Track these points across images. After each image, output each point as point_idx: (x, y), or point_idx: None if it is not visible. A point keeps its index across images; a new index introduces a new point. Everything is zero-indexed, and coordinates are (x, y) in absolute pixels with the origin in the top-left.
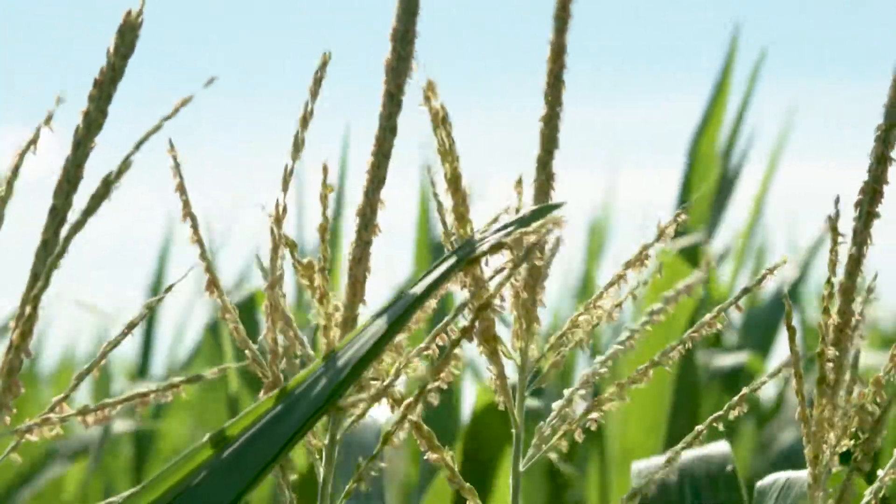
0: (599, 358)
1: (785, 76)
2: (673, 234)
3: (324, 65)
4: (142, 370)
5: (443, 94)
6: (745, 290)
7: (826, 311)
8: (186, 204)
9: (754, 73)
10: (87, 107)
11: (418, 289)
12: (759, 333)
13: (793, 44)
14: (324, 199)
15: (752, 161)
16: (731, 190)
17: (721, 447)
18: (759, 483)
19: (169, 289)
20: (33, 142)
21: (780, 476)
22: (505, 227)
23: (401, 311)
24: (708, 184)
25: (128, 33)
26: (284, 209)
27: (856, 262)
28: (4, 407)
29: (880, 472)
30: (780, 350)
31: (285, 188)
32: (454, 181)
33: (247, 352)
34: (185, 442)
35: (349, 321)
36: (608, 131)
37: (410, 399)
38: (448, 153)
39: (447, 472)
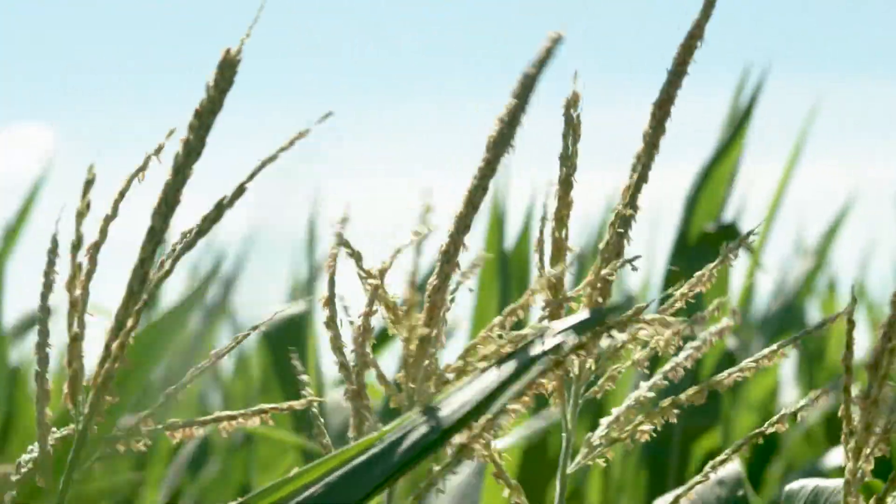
0: (649, 382)
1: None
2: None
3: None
4: None
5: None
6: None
7: (893, 305)
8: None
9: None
10: (187, 135)
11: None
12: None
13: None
14: (424, 220)
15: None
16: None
17: (733, 468)
18: (788, 487)
19: (256, 327)
20: (142, 169)
21: (809, 483)
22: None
23: (497, 385)
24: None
25: (227, 69)
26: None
27: None
28: (96, 416)
29: None
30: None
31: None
32: (566, 185)
33: (336, 358)
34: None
35: (425, 340)
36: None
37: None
38: (568, 159)
39: (495, 469)
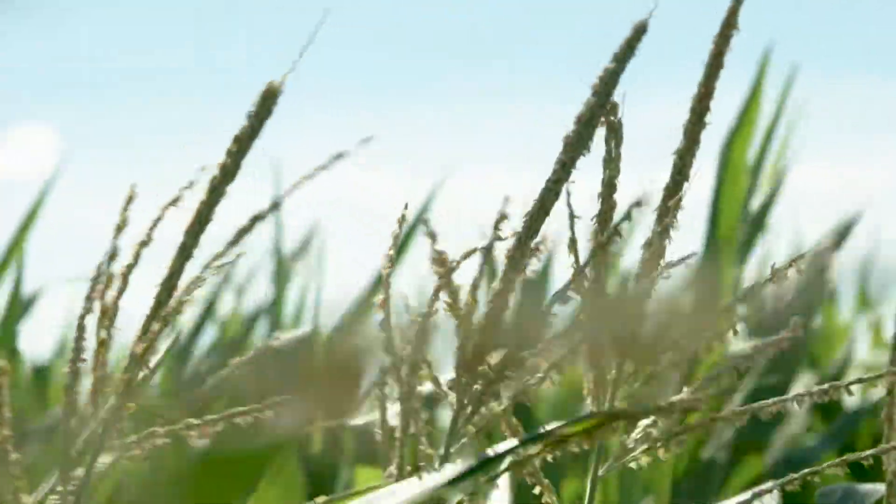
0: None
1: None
2: None
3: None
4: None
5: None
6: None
7: None
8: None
9: (786, 88)
10: (225, 159)
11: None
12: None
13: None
14: (497, 227)
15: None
16: (768, 203)
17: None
18: (822, 489)
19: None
20: (174, 202)
21: (841, 485)
22: None
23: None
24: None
25: (269, 99)
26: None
27: None
28: (121, 419)
29: None
30: None
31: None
32: (609, 187)
33: (387, 359)
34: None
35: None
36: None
37: None
38: (611, 161)
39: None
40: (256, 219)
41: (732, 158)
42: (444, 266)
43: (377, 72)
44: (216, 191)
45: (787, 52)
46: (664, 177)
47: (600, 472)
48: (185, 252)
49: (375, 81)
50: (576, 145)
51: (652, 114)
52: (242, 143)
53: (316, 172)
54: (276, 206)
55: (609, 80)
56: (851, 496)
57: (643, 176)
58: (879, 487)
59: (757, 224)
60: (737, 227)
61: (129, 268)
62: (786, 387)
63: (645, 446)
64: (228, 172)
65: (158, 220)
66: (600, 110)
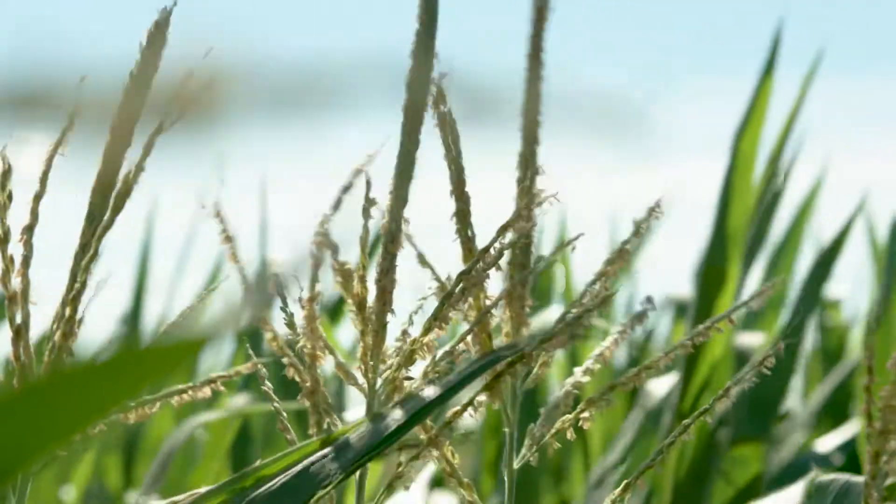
0: (582, 367)
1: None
2: None
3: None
4: None
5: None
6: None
7: None
8: (225, 228)
9: (809, 75)
10: (123, 100)
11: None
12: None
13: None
14: (366, 211)
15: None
16: (778, 193)
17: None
18: (820, 479)
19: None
20: (59, 144)
21: (841, 477)
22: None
23: (451, 386)
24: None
25: (159, 29)
26: (328, 234)
27: None
28: None
29: None
30: None
31: (334, 212)
32: (459, 184)
33: (285, 359)
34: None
35: (380, 328)
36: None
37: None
38: (454, 159)
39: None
40: (128, 182)
41: (742, 149)
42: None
43: None
44: (117, 148)
45: (803, 43)
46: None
47: (515, 465)
48: (93, 220)
49: None
50: (416, 90)
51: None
52: (139, 83)
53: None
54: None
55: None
56: (852, 489)
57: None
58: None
59: (767, 217)
60: (747, 219)
61: (30, 228)
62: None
63: (554, 430)
64: (126, 119)
65: (50, 163)
66: (431, 44)
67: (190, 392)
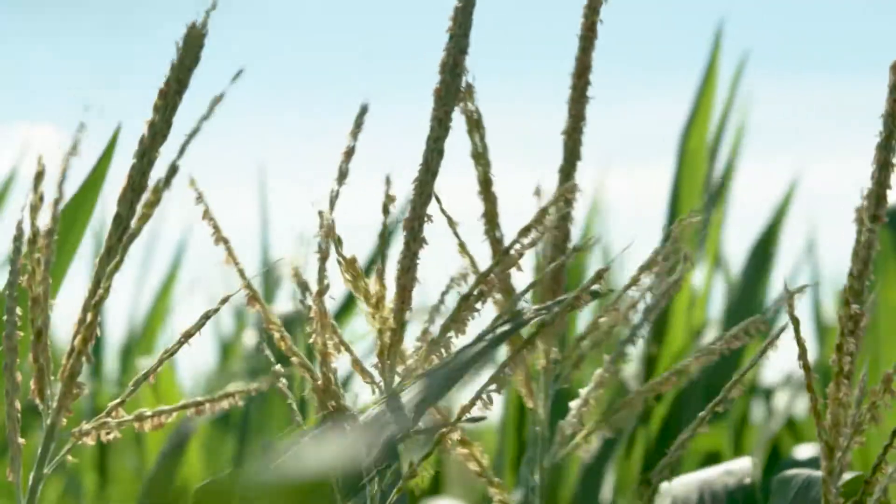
0: (610, 357)
1: (770, 72)
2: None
3: (362, 113)
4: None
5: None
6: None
7: (846, 303)
8: (217, 229)
9: (738, 72)
10: (153, 117)
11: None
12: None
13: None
14: (386, 209)
15: (744, 158)
16: (723, 187)
17: (744, 463)
18: (781, 474)
19: (225, 300)
20: (73, 150)
21: (802, 473)
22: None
23: (457, 372)
24: (697, 185)
25: (192, 45)
26: (333, 224)
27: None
28: (64, 409)
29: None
30: None
31: (332, 207)
32: (486, 184)
33: (294, 358)
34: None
35: (399, 327)
36: (597, 130)
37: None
38: (481, 156)
39: (476, 466)
40: (158, 190)
41: (690, 147)
42: (357, 277)
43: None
44: (147, 153)
45: (739, 39)
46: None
47: (546, 463)
48: (120, 224)
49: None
50: (446, 97)
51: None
52: (170, 98)
53: (200, 124)
54: (173, 171)
55: (463, 18)
56: (813, 485)
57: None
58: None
59: (711, 208)
60: (697, 206)
61: (50, 233)
62: None
63: (586, 431)
64: (158, 132)
65: (66, 171)
66: (461, 55)
67: (209, 404)
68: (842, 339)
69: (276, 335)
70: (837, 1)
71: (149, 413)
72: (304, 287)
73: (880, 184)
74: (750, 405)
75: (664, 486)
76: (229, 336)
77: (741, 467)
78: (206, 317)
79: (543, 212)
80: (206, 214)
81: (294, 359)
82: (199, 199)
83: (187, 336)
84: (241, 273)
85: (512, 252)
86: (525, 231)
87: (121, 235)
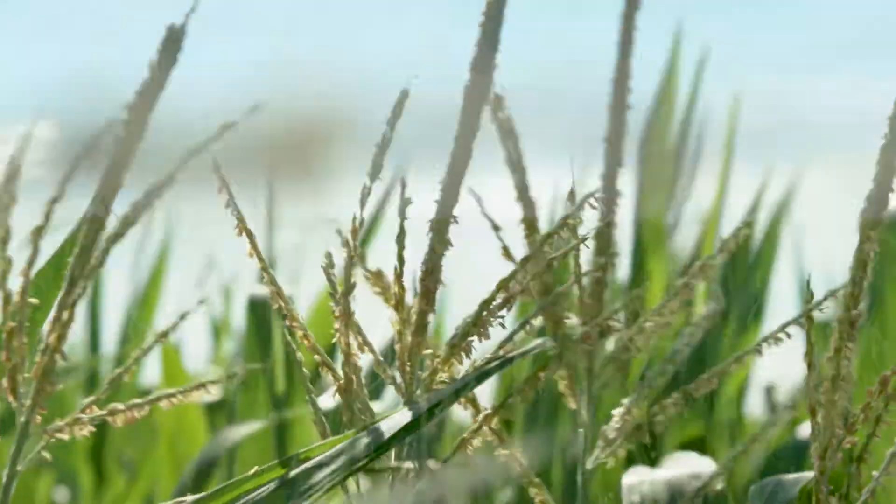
0: (653, 370)
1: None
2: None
3: (401, 101)
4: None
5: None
6: None
7: (846, 307)
8: (241, 220)
9: (698, 71)
10: (128, 117)
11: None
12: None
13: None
14: (402, 211)
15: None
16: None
17: (708, 462)
18: (756, 485)
19: (202, 302)
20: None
21: (772, 479)
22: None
23: (477, 377)
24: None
25: (171, 46)
26: (361, 223)
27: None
28: (38, 407)
29: (875, 473)
30: None
31: (362, 206)
32: (522, 190)
33: (316, 356)
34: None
35: (421, 328)
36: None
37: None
38: (516, 164)
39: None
40: (150, 195)
41: (653, 139)
42: (379, 280)
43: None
44: (124, 154)
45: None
46: None
47: (589, 465)
48: (95, 224)
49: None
50: (475, 98)
51: None
52: (146, 97)
53: (208, 143)
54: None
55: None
56: (782, 488)
57: None
58: (807, 475)
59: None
60: (663, 211)
61: (39, 230)
62: None
63: (628, 433)
64: (134, 132)
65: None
66: (498, 31)
67: (181, 395)
68: (840, 343)
69: (299, 333)
70: None
71: (121, 407)
72: (332, 285)
73: (882, 186)
74: (744, 401)
75: (632, 482)
76: (219, 318)
77: (706, 470)
78: (182, 317)
79: (565, 220)
80: (229, 204)
81: (316, 357)
82: (223, 187)
83: (164, 335)
84: (265, 268)
85: (536, 259)
86: (547, 238)
87: (95, 235)
